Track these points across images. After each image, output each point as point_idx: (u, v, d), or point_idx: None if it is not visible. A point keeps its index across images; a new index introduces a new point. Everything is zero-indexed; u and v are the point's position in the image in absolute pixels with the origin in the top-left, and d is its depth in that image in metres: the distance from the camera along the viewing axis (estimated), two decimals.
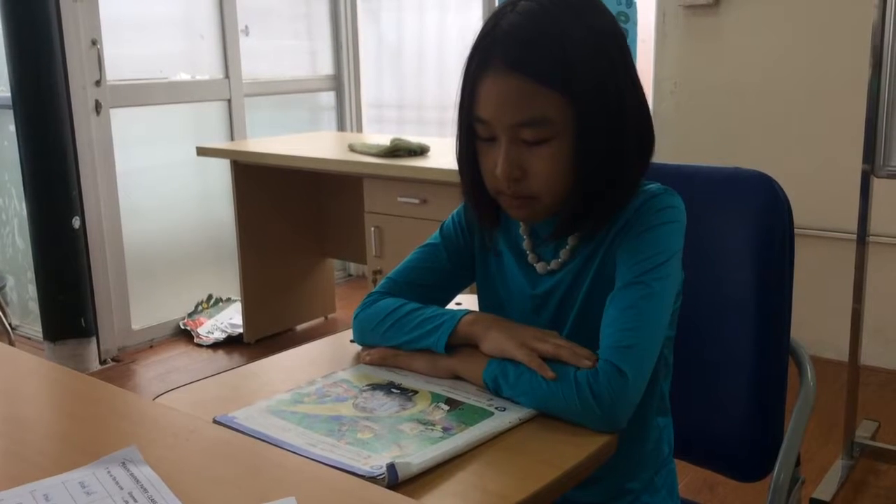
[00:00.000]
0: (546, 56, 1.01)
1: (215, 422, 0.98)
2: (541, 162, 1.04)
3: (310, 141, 3.66)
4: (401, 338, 1.15)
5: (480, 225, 1.20)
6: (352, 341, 1.25)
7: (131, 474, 0.83)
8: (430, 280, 1.24)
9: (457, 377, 1.10)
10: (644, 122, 1.09)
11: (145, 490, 0.80)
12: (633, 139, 1.07)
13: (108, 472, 0.84)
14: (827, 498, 2.29)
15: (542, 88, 1.01)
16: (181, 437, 0.92)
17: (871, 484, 2.44)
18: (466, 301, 1.32)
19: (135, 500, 0.78)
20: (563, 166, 1.04)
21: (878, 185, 2.36)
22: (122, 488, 0.81)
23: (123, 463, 0.85)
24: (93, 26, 3.37)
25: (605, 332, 1.03)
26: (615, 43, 1.06)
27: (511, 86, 1.02)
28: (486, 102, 1.04)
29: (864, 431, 2.61)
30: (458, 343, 1.10)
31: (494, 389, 1.04)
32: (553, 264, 1.14)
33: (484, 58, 1.04)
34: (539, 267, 1.15)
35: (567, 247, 1.13)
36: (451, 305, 1.29)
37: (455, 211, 1.27)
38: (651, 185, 1.11)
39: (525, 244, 1.17)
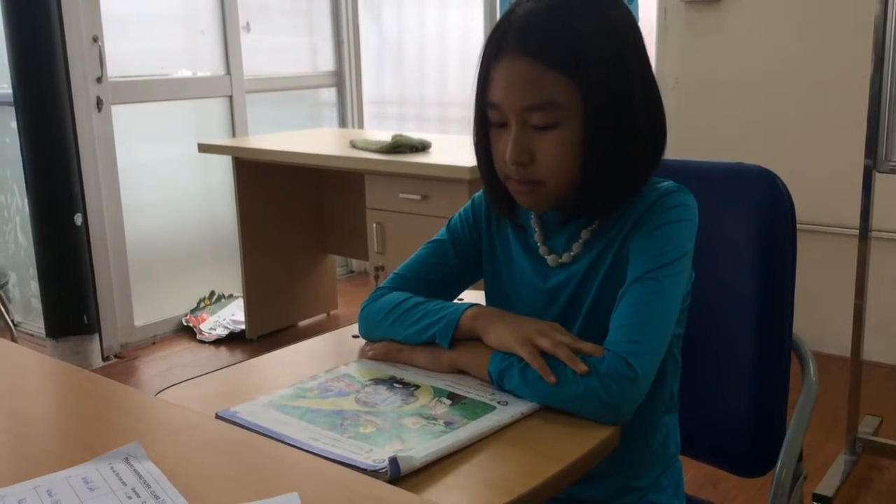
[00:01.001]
0: (557, 41, 1.02)
1: (218, 417, 0.98)
2: (548, 147, 1.05)
3: (311, 137, 3.66)
4: (404, 331, 1.15)
5: (498, 209, 1.20)
6: (354, 336, 1.25)
7: (134, 470, 0.83)
8: (437, 275, 1.24)
9: (459, 371, 1.10)
10: (656, 118, 1.09)
11: (148, 485, 0.80)
12: (642, 132, 1.07)
13: (111, 467, 0.84)
14: (829, 493, 2.29)
15: (552, 73, 1.02)
16: (184, 432, 0.92)
17: (874, 479, 2.44)
18: (470, 298, 1.32)
19: (137, 496, 0.79)
20: (571, 153, 1.05)
21: (880, 180, 2.36)
22: (125, 484, 0.81)
23: (126, 458, 0.85)
24: (94, 23, 3.37)
25: (614, 325, 1.03)
26: (629, 36, 1.06)
27: (521, 69, 1.03)
28: (497, 86, 1.05)
29: (866, 427, 2.61)
30: (461, 337, 1.10)
31: (499, 383, 1.04)
32: (565, 257, 1.14)
33: (498, 44, 1.05)
34: (550, 259, 1.15)
35: (580, 240, 1.13)
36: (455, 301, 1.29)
37: (463, 208, 1.27)
38: (665, 183, 1.11)
39: (536, 236, 1.17)
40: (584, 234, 1.13)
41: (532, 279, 1.17)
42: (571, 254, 1.14)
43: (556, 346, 1.02)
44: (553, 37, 1.02)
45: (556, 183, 1.07)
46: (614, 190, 1.08)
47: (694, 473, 2.34)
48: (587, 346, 1.02)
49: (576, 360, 1.00)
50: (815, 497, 2.28)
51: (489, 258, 1.24)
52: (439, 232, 1.27)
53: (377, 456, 0.87)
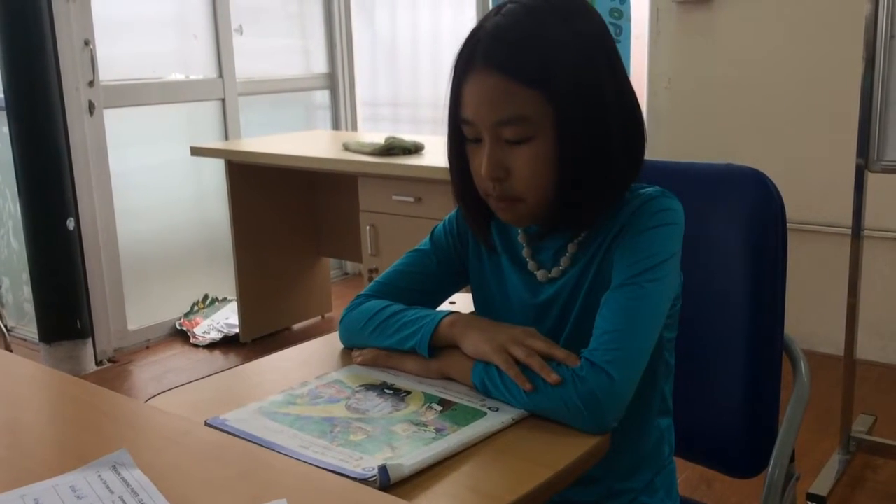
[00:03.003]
0: (525, 55, 1.01)
1: (207, 424, 0.98)
2: (523, 161, 1.04)
3: (304, 140, 3.66)
4: (385, 340, 1.15)
5: (472, 228, 1.20)
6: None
7: (122, 478, 0.83)
8: (417, 285, 1.24)
9: (448, 378, 1.09)
10: (633, 126, 1.08)
11: (136, 494, 0.80)
12: (618, 141, 1.06)
13: (99, 475, 0.83)
14: (824, 493, 2.29)
15: (521, 87, 1.01)
16: (173, 439, 0.92)
17: (868, 478, 2.45)
18: (461, 300, 1.31)
19: None
20: (545, 166, 1.04)
21: (872, 179, 2.36)
22: (112, 492, 0.80)
23: (114, 466, 0.85)
24: (85, 26, 3.36)
25: (596, 333, 1.03)
26: (600, 46, 1.05)
27: (491, 85, 1.02)
28: (469, 102, 1.05)
29: (860, 426, 2.61)
30: (441, 345, 1.10)
31: (484, 391, 1.04)
32: (554, 272, 1.14)
33: (468, 60, 1.05)
34: (540, 275, 1.15)
35: (567, 254, 1.13)
36: (446, 304, 1.29)
37: (446, 218, 1.26)
38: (649, 189, 1.10)
39: (524, 252, 1.17)
40: (571, 248, 1.12)
41: (522, 294, 1.16)
42: (560, 268, 1.13)
43: (529, 355, 1.01)
44: (521, 50, 1.01)
45: (535, 197, 1.06)
46: (593, 201, 1.07)
47: (688, 474, 2.34)
48: (560, 353, 1.02)
49: (547, 370, 0.99)
50: (810, 496, 2.28)
51: (476, 270, 1.23)
52: (423, 241, 1.27)
53: (367, 464, 0.87)
